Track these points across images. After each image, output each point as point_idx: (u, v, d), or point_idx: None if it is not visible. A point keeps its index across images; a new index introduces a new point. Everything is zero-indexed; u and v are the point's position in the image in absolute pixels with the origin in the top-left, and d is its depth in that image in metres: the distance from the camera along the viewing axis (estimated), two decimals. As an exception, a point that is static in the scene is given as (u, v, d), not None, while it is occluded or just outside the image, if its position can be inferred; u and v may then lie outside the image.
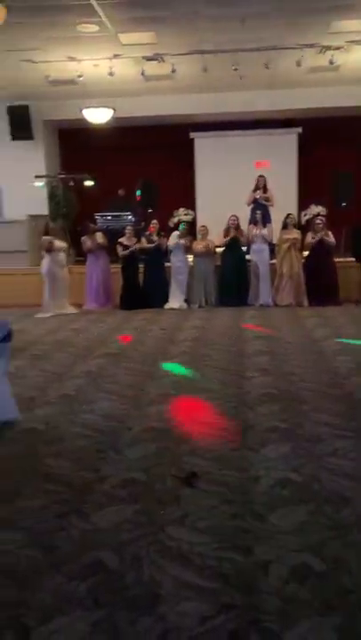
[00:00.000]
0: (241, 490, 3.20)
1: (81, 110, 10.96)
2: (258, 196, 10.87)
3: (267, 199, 10.88)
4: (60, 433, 4.19)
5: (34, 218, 11.69)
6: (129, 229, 10.56)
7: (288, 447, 3.75)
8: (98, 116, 11.17)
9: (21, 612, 2.24)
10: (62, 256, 10.08)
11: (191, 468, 3.47)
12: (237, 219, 10.34)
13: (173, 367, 5.99)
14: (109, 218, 11.84)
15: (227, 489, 3.21)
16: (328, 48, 9.45)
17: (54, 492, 3.22)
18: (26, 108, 11.98)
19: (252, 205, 10.92)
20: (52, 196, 12.32)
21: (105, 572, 2.49)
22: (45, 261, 9.94)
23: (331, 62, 9.76)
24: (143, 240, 10.48)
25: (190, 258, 10.58)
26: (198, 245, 10.50)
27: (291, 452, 3.68)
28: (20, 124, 12.02)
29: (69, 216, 12.30)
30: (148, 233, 10.62)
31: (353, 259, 10.46)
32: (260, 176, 11.07)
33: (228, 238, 10.33)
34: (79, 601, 2.30)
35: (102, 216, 11.85)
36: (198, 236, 10.68)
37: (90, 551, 2.64)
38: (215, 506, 3.02)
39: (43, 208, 12.22)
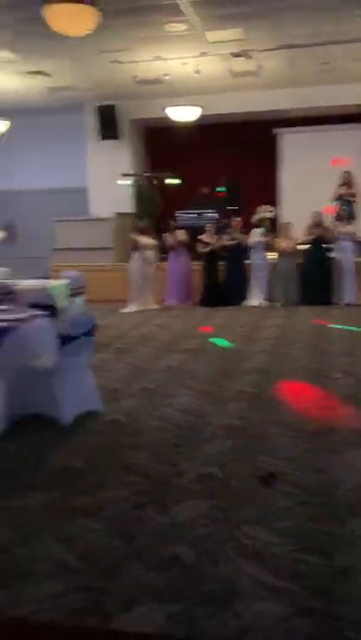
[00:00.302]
0: (320, 492, 3.15)
1: (164, 109, 11.08)
2: (343, 192, 10.58)
3: (352, 195, 10.57)
4: (140, 425, 4.28)
5: (120, 216, 11.96)
6: (209, 227, 10.61)
7: (371, 452, 3.65)
8: (184, 114, 11.24)
9: (103, 598, 2.32)
10: (149, 254, 10.27)
11: (268, 467, 3.45)
12: (321, 215, 10.12)
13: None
14: (192, 215, 11.92)
15: (304, 490, 3.16)
16: None
17: (134, 484, 3.30)
18: (112, 107, 12.26)
19: (337, 202, 10.64)
20: (137, 195, 12.55)
21: (181, 565, 2.53)
22: (133, 259, 10.19)
23: None
24: (224, 237, 10.48)
25: (271, 255, 10.47)
26: (281, 243, 10.37)
27: (373, 456, 3.58)
28: (108, 124, 12.32)
29: (154, 214, 12.48)
30: (229, 230, 10.62)
31: None
32: (346, 172, 10.78)
33: (312, 237, 10.13)
34: (156, 592, 2.35)
35: (185, 213, 11.95)
36: (281, 234, 10.55)
37: (167, 544, 2.69)
38: (291, 507, 2.99)
39: (128, 206, 12.47)
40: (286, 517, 2.89)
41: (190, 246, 10.67)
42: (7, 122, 11.00)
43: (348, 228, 10.02)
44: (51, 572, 2.50)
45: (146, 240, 10.30)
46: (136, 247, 10.16)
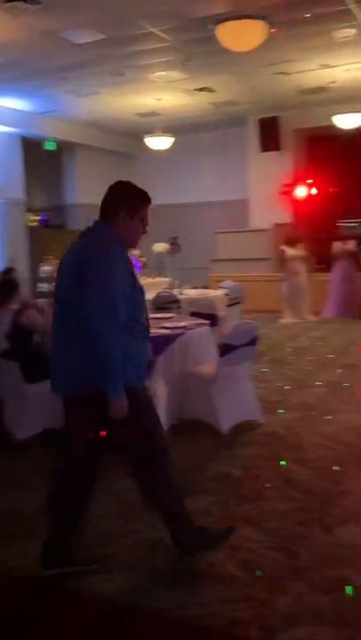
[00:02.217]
0: None
1: (329, 117, 10.81)
2: None
3: None
4: (300, 440, 4.18)
5: (279, 226, 11.89)
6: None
7: None
8: (349, 121, 10.90)
9: (266, 612, 2.28)
10: (296, 264, 10.04)
11: None
12: None
13: None
14: (354, 225, 11.49)
15: None
16: None
17: (295, 500, 3.23)
18: (276, 119, 12.24)
19: None
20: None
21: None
22: (283, 270, 10.11)
23: None
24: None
25: None
26: None
27: None
28: (270, 136, 12.31)
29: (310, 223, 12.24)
30: None
31: None
32: None
33: None
34: (319, 614, 2.26)
35: (347, 222, 11.55)
36: None
37: (332, 565, 2.58)
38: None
39: (287, 217, 12.36)
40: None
41: (357, 256, 10.25)
42: (172, 138, 11.47)
43: None
44: (215, 578, 2.51)
45: (293, 251, 10.09)
46: (283, 259, 10.04)
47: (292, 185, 12.28)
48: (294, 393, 5.44)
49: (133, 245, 2.62)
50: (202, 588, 2.45)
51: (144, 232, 2.59)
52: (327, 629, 2.19)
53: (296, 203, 12.42)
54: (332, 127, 11.10)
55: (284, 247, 10.17)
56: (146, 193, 2.57)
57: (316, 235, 11.85)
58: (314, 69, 9.53)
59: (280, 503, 3.19)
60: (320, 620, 2.24)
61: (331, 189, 12.41)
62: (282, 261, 10.12)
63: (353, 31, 7.97)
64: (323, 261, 11.15)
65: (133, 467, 2.56)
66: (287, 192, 12.25)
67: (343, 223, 11.69)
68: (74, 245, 2.56)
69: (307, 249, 10.52)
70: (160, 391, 4.17)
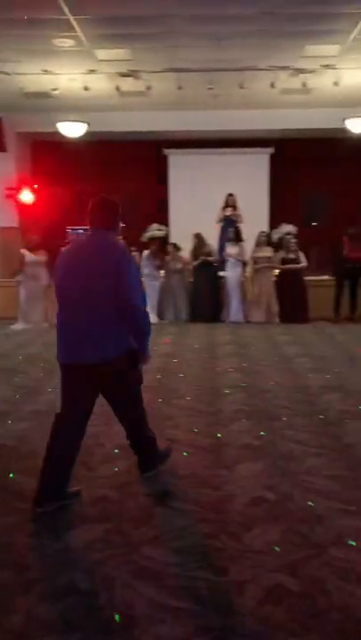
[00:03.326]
0: (215, 509, 3.18)
1: (53, 123, 10.93)
2: (229, 214, 10.93)
3: (237, 217, 10.95)
4: (32, 448, 4.09)
5: (4, 230, 11.57)
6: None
7: (262, 465, 3.75)
8: (72, 129, 11.17)
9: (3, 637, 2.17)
10: (36, 269, 9.92)
11: (164, 486, 3.44)
12: (198, 237, 10.42)
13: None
14: (81, 232, 11.77)
15: (201, 507, 3.18)
16: (302, 71, 9.65)
17: (25, 511, 3.14)
18: (-1, 119, 11.90)
19: (221, 223, 10.99)
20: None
21: (77, 593, 2.44)
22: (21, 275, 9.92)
23: (304, 85, 9.96)
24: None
25: (161, 274, 10.60)
26: (171, 262, 10.54)
27: (264, 469, 3.68)
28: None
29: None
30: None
31: (328, 276, 10.58)
32: (230, 195, 11.11)
33: (198, 262, 10.40)
34: (50, 624, 2.24)
35: (75, 229, 11.79)
36: (170, 253, 10.71)
37: (62, 572, 2.58)
38: (188, 525, 2.99)
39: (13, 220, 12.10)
40: (185, 535, 2.89)
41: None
42: None
43: (234, 249, 10.37)
44: None
45: (33, 256, 10.00)
46: (22, 264, 9.87)
47: (17, 188, 12.09)
48: (26, 402, 5.33)
49: None
50: None
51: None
52: (56, 638, 2.17)
53: (23, 207, 12.25)
54: (58, 134, 11.24)
55: (24, 251, 9.96)
56: None
57: (46, 241, 11.83)
58: (36, 73, 9.52)
59: (8, 517, 3.08)
60: (49, 630, 2.21)
61: (56, 196, 12.52)
62: (21, 265, 9.88)
63: (72, 42, 8.17)
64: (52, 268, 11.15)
65: (124, 414, 3.43)
66: (11, 195, 12.01)
67: (72, 230, 11.89)
68: (83, 246, 3.32)
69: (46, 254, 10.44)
70: None
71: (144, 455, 3.54)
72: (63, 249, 3.40)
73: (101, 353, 3.13)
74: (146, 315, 3.26)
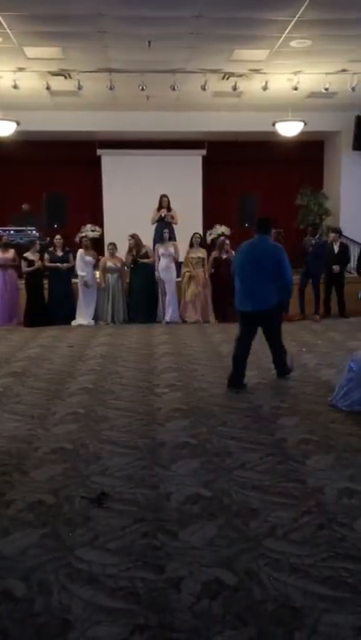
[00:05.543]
0: (152, 508, 3.19)
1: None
2: (163, 215, 10.96)
3: (171, 217, 11.00)
4: None
5: None
6: (34, 244, 10.38)
7: (198, 462, 3.79)
8: (1, 128, 10.91)
9: None
10: None
11: (101, 488, 3.42)
12: (135, 238, 10.40)
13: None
14: (12, 232, 11.50)
15: (138, 507, 3.19)
16: (231, 75, 9.81)
17: None
18: None
19: (155, 224, 11.01)
20: None
21: (11, 600, 2.39)
22: None
23: (234, 88, 10.12)
24: (47, 256, 10.31)
25: (97, 274, 10.52)
26: (107, 262, 10.47)
27: (200, 467, 3.73)
28: None
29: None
30: (51, 249, 10.46)
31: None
32: (164, 195, 11.15)
33: (131, 262, 10.39)
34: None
35: (4, 230, 11.49)
36: (107, 253, 10.64)
37: (-4, 580, 2.52)
38: (126, 525, 2.99)
39: None
40: (121, 536, 2.88)
41: (18, 265, 10.30)
42: None
43: (170, 250, 10.41)
44: None
45: None
46: None
47: None
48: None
49: None
50: None
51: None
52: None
53: None
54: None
55: None
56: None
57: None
58: None
59: None
60: (-17, 640, 2.17)
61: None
62: None
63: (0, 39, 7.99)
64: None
65: (273, 341, 5.90)
66: None
67: (2, 230, 11.58)
68: (255, 245, 5.74)
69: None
70: None
71: (281, 365, 5.98)
72: None
73: (262, 305, 5.61)
74: (293, 287, 6.12)
